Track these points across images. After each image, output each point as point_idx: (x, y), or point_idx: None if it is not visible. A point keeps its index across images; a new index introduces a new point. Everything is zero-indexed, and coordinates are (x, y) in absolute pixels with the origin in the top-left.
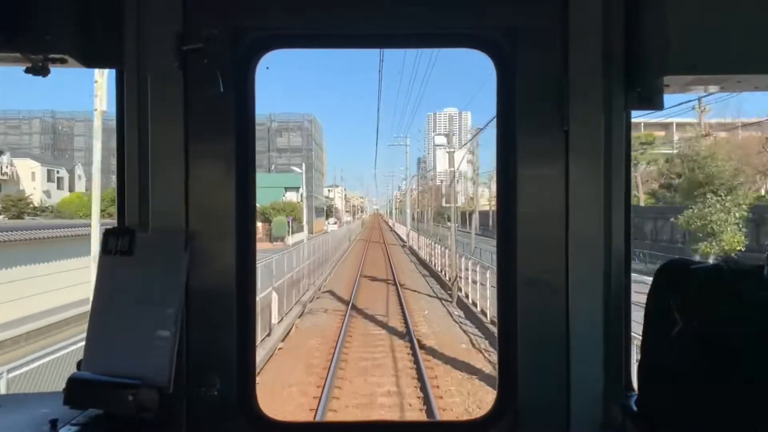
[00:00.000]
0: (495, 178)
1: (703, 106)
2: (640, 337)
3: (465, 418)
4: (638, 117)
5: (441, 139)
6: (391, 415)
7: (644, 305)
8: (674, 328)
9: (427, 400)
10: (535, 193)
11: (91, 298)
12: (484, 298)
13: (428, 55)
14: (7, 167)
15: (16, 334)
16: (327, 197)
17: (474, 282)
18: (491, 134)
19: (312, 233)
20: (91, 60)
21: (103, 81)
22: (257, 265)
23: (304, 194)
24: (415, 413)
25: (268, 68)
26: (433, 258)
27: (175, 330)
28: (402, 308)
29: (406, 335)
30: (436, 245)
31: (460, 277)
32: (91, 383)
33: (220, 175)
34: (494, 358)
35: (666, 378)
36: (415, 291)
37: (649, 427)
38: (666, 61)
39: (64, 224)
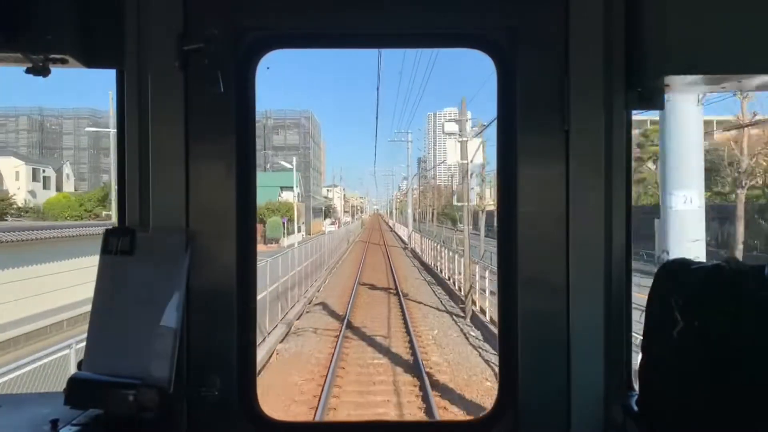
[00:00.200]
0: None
1: (745, 92)
2: (641, 337)
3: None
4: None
5: (452, 126)
6: None
7: (645, 305)
8: (675, 328)
9: None
10: (535, 193)
11: (92, 298)
12: None
13: (428, 55)
14: None
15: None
16: (326, 197)
17: (490, 292)
18: (491, 133)
19: (309, 234)
20: (92, 60)
21: None
22: None
23: (298, 193)
24: None
25: (268, 68)
26: (438, 263)
27: (175, 330)
28: (407, 328)
29: (414, 368)
30: (443, 249)
31: (474, 289)
32: (92, 383)
33: (221, 175)
34: None
35: (667, 378)
36: (420, 303)
37: (649, 426)
38: (666, 61)
39: (45, 226)
